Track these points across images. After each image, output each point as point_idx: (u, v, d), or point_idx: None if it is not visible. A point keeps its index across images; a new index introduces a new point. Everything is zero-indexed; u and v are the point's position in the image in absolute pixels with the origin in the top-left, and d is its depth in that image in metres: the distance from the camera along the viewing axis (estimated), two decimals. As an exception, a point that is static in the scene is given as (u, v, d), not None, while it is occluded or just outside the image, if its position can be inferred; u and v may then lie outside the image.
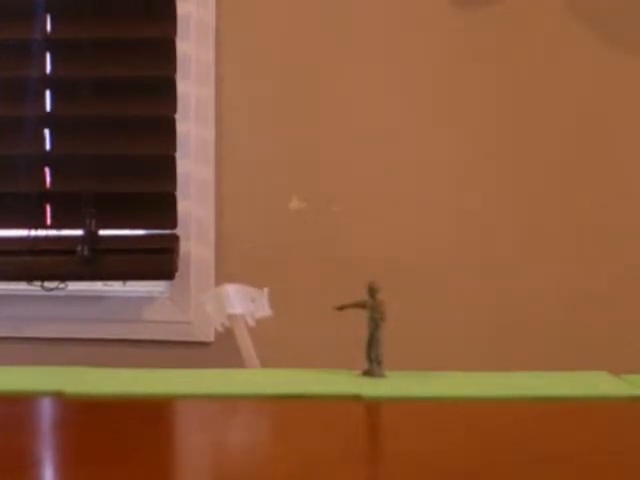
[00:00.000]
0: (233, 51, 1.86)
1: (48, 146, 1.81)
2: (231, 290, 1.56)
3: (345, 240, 1.83)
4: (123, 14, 1.81)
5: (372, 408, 0.82)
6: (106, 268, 1.79)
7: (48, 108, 1.82)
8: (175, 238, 1.80)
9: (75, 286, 1.85)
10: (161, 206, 1.79)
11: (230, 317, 1.55)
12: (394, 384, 0.91)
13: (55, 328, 1.85)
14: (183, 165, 1.81)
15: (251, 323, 1.55)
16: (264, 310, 1.55)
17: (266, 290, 1.56)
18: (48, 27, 1.81)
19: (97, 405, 0.82)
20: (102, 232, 1.80)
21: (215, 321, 1.57)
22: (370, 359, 0.93)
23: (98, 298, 1.87)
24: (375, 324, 0.94)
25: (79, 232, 1.79)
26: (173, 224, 1.79)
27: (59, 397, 0.84)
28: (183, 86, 1.81)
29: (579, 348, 1.78)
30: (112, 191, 1.80)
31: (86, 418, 0.78)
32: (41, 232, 1.82)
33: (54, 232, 1.83)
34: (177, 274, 1.79)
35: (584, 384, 0.92)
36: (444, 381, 0.94)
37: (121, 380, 0.93)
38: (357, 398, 0.84)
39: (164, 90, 1.78)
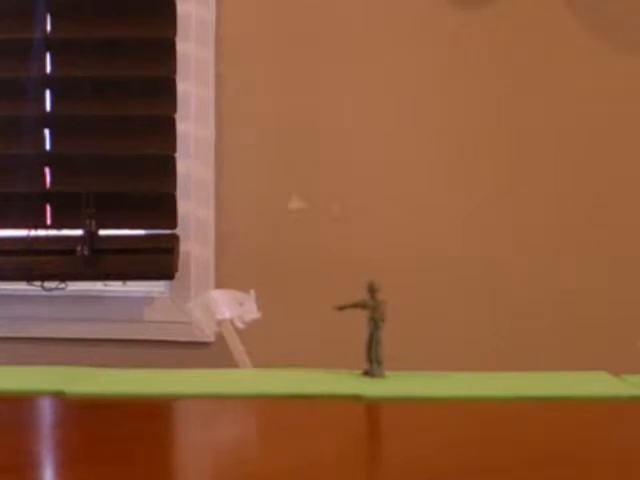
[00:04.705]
0: (233, 51, 1.86)
1: (48, 146, 1.82)
2: (218, 296, 1.56)
3: (345, 240, 1.83)
4: (123, 14, 1.81)
5: (372, 408, 0.82)
6: (106, 268, 1.79)
7: (48, 108, 1.82)
8: (175, 238, 1.80)
9: (75, 286, 1.85)
10: (161, 206, 1.79)
11: (219, 323, 1.56)
12: (394, 384, 0.91)
13: (55, 328, 1.85)
14: (183, 165, 1.81)
15: (241, 326, 1.55)
16: (252, 313, 1.55)
17: (252, 292, 1.56)
18: (48, 27, 1.81)
19: (97, 405, 0.82)
20: (102, 232, 1.80)
21: (205, 328, 1.58)
22: (370, 359, 0.93)
23: (98, 298, 1.87)
24: (375, 324, 0.94)
25: (79, 232, 1.79)
26: (173, 224, 1.79)
27: (59, 397, 0.84)
28: (183, 86, 1.81)
29: (579, 348, 1.78)
30: (112, 191, 1.80)
31: (86, 418, 0.78)
32: (41, 232, 1.82)
33: (54, 232, 1.83)
34: (177, 274, 1.79)
35: (584, 384, 0.92)
36: (444, 381, 0.94)
37: (121, 380, 0.93)
38: (357, 398, 0.84)
39: (164, 90, 1.78)
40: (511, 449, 0.67)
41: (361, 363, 0.94)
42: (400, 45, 1.84)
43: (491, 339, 1.81)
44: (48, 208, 1.82)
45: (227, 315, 1.55)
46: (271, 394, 0.86)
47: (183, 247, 1.82)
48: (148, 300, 1.86)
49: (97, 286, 1.89)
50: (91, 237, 1.78)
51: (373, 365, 0.93)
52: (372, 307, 0.94)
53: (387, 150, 1.84)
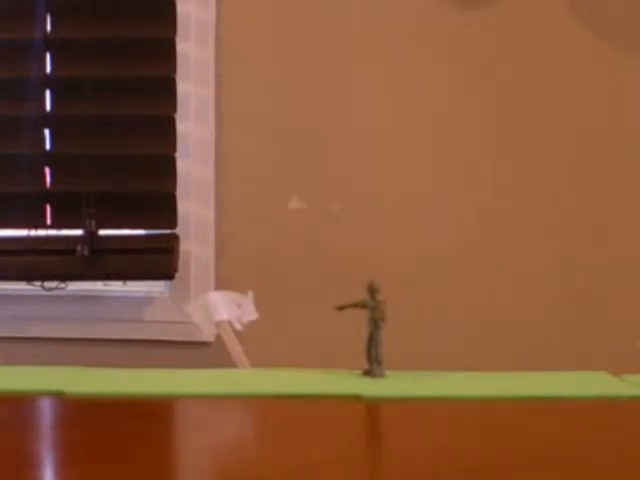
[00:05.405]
0: (233, 51, 1.86)
1: (48, 146, 1.81)
2: (216, 297, 1.57)
3: (345, 240, 1.83)
4: (123, 14, 1.81)
5: (372, 408, 0.82)
6: (106, 268, 1.79)
7: (48, 108, 1.82)
8: (175, 238, 1.80)
9: (75, 286, 1.85)
10: (161, 206, 1.79)
11: (217, 324, 1.56)
12: (394, 384, 0.91)
13: (55, 328, 1.85)
14: (183, 165, 1.81)
15: (239, 328, 1.56)
16: (250, 314, 1.55)
17: (250, 294, 1.56)
18: (48, 27, 1.81)
19: (97, 405, 0.82)
20: (102, 232, 1.80)
21: (204, 329, 1.59)
22: (370, 359, 0.93)
23: (98, 298, 1.87)
24: (375, 324, 0.94)
25: (79, 232, 1.79)
26: (173, 224, 1.79)
27: (59, 397, 0.84)
28: (183, 86, 1.81)
29: (579, 348, 1.78)
30: (112, 191, 1.80)
31: (86, 418, 0.78)
32: (41, 232, 1.82)
33: (54, 232, 1.83)
34: (177, 274, 1.79)
35: (584, 384, 0.92)
36: (444, 381, 0.94)
37: (121, 380, 0.93)
38: (357, 398, 0.84)
39: (164, 90, 1.78)
40: (511, 449, 0.67)
41: (361, 363, 0.94)
42: (400, 45, 1.84)
43: (491, 339, 1.81)
44: (48, 208, 1.81)
45: (225, 317, 1.55)
46: (271, 394, 0.86)
47: (183, 247, 1.82)
48: (148, 300, 1.86)
49: (97, 286, 1.88)
50: (91, 237, 1.78)
51: (373, 365, 0.93)
52: (372, 307, 0.94)
53: (387, 150, 1.84)
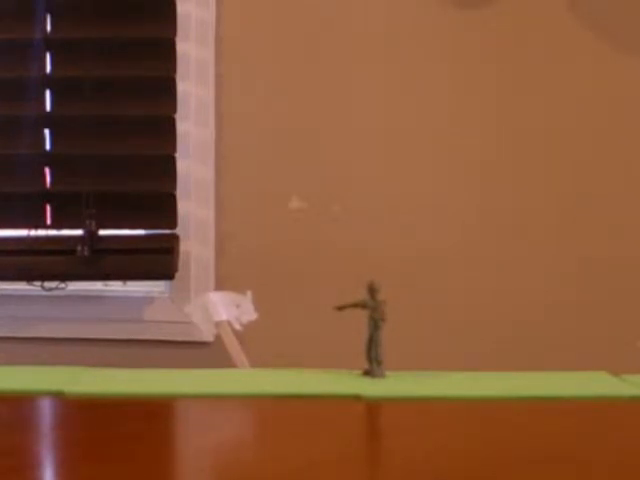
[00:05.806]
0: (233, 51, 1.86)
1: (48, 146, 1.81)
2: (215, 298, 1.57)
3: (345, 240, 1.83)
4: (123, 14, 1.80)
5: (372, 408, 0.82)
6: (106, 268, 1.79)
7: (48, 108, 1.82)
8: (175, 238, 1.80)
9: (75, 286, 1.85)
10: (161, 206, 1.79)
11: (217, 324, 1.56)
12: (394, 384, 0.91)
13: (55, 328, 1.85)
14: (183, 165, 1.81)
15: (238, 328, 1.56)
16: (249, 314, 1.56)
17: (249, 294, 1.56)
18: (48, 27, 1.81)
19: (97, 405, 0.82)
20: (102, 232, 1.80)
21: (204, 329, 1.59)
22: (370, 359, 0.93)
23: (98, 298, 1.87)
24: (375, 324, 0.94)
25: (79, 232, 1.79)
26: (173, 224, 1.79)
27: (59, 397, 0.84)
28: (183, 86, 1.81)
29: (579, 348, 1.78)
30: (112, 191, 1.80)
31: (86, 418, 0.78)
32: (41, 232, 1.82)
33: (54, 232, 1.83)
34: (177, 274, 1.79)
35: (584, 384, 0.92)
36: (444, 381, 0.94)
37: (121, 380, 0.93)
38: (357, 398, 0.84)
39: (164, 90, 1.78)
40: (511, 449, 0.67)
41: (361, 363, 0.94)
42: (400, 45, 1.84)
43: (491, 339, 1.81)
44: (48, 208, 1.81)
45: (224, 317, 1.55)
46: (271, 394, 0.87)
47: (183, 247, 1.82)
48: (148, 300, 1.86)
49: (97, 286, 1.88)
50: (91, 237, 1.78)
51: (373, 365, 0.93)
52: (372, 307, 0.94)
53: (387, 150, 1.84)
